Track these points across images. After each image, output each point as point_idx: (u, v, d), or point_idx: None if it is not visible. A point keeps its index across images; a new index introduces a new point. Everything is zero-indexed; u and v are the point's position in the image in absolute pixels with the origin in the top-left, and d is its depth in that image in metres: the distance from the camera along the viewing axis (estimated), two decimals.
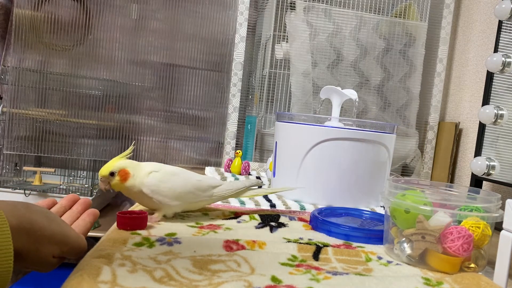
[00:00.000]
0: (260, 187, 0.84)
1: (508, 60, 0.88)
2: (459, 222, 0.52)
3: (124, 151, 0.64)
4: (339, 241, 0.60)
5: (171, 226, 0.61)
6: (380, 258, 0.55)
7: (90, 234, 0.56)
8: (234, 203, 0.81)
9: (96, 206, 1.25)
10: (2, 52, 1.29)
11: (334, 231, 0.63)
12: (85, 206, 0.56)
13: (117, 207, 1.32)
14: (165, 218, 0.64)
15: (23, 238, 0.40)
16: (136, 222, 0.58)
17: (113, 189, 0.62)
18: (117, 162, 0.61)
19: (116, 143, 1.29)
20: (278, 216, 0.69)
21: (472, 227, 0.51)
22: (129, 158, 0.64)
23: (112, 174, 0.60)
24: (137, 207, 0.68)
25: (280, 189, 0.77)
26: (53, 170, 1.36)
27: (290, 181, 0.89)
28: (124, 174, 0.60)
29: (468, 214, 0.52)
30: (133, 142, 0.71)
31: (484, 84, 1.00)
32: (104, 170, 0.60)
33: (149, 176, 0.61)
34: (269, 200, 0.85)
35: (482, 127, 0.99)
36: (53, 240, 0.43)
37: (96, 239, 0.56)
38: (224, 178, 1.08)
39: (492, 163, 0.92)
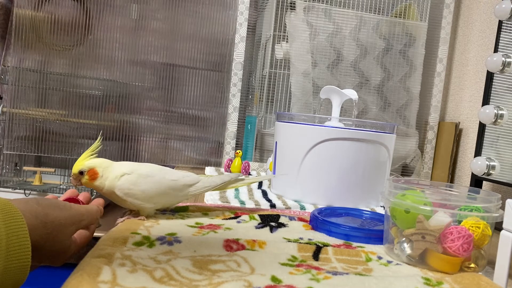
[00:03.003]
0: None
1: (508, 60, 0.88)
2: (459, 222, 0.52)
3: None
4: (339, 241, 0.60)
5: (171, 226, 0.61)
6: (380, 258, 0.55)
7: None
8: (234, 203, 0.81)
9: None
10: (2, 52, 1.29)
11: (334, 231, 0.63)
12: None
13: (118, 207, 1.31)
14: (148, 216, 0.65)
15: (39, 231, 0.42)
16: None
17: (84, 186, 0.62)
18: (88, 161, 0.60)
19: (116, 143, 1.29)
20: (278, 216, 0.69)
21: (472, 227, 0.51)
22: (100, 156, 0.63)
23: (81, 173, 0.60)
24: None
25: (257, 178, 0.76)
26: (53, 170, 1.36)
27: (290, 181, 0.89)
28: (93, 174, 0.60)
29: (468, 214, 0.52)
30: (101, 132, 0.71)
31: (484, 84, 1.00)
32: (74, 168, 0.60)
33: (121, 179, 0.61)
34: (269, 200, 0.85)
35: (482, 127, 0.99)
36: (68, 222, 0.46)
37: (96, 238, 0.56)
38: None
39: (492, 163, 0.92)
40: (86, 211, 0.50)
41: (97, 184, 0.60)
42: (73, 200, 0.57)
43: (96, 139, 0.63)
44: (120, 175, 0.61)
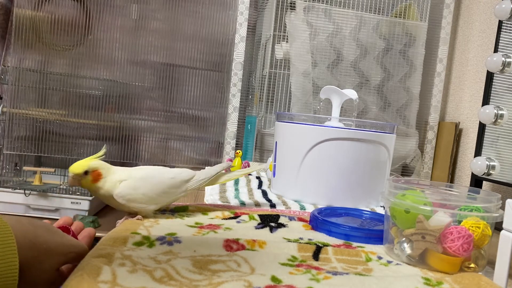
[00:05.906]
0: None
1: (508, 60, 0.88)
2: (459, 222, 0.52)
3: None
4: (339, 241, 0.60)
5: (171, 226, 0.61)
6: (380, 258, 0.55)
7: None
8: (234, 203, 0.81)
9: (96, 206, 1.25)
10: (2, 52, 1.29)
11: (334, 231, 0.63)
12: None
13: None
14: (146, 216, 0.65)
15: (26, 251, 0.40)
16: None
17: (81, 187, 0.62)
18: (92, 162, 0.60)
19: (116, 143, 1.29)
20: (278, 217, 0.69)
21: (472, 227, 0.51)
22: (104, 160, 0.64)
23: (86, 173, 0.60)
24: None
25: (249, 170, 0.76)
26: (53, 170, 1.36)
27: (290, 181, 0.89)
28: (97, 175, 0.60)
29: (468, 214, 0.52)
30: (104, 146, 0.71)
31: (484, 84, 1.00)
32: (78, 168, 0.59)
33: (120, 185, 0.61)
34: (269, 200, 0.85)
35: (482, 127, 0.99)
36: (58, 251, 0.44)
37: (97, 239, 0.56)
38: None
39: (492, 163, 0.92)
40: (77, 244, 0.47)
41: (98, 185, 0.61)
42: (64, 228, 0.55)
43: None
44: (118, 182, 0.61)
